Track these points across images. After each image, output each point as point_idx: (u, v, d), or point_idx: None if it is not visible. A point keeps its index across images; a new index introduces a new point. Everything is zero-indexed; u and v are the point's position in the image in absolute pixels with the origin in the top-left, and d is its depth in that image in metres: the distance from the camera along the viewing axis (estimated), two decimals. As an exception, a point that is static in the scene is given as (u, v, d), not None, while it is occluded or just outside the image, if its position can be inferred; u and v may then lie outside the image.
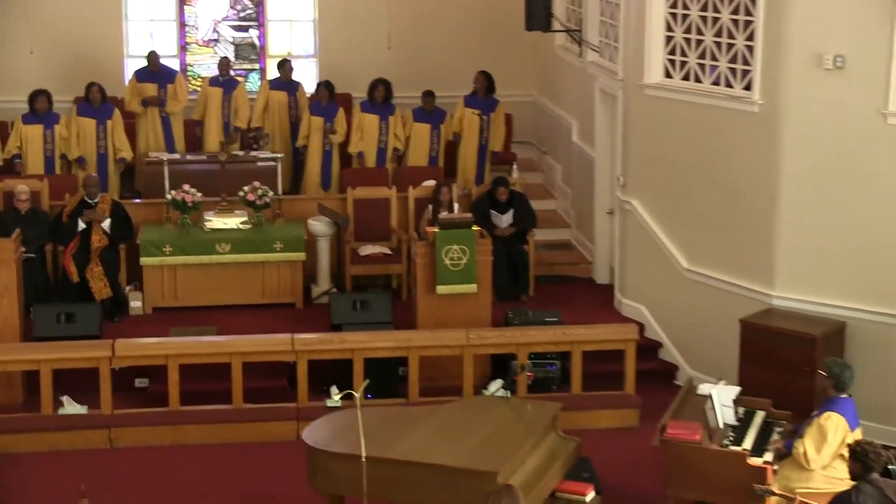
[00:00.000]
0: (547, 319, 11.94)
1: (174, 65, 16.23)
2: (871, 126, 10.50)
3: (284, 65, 15.32)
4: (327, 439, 8.92)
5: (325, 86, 14.78)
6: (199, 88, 15.82)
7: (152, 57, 15.15)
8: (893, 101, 10.40)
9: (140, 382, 11.64)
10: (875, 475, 7.82)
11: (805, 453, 8.66)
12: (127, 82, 15.44)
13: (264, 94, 15.16)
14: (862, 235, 10.70)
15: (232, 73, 15.58)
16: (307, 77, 16.33)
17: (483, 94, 14.75)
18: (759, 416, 9.52)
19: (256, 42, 16.97)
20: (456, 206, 12.82)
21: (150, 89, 15.00)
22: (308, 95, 15.23)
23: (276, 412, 11.10)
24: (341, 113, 14.64)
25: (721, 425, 9.10)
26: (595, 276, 14.04)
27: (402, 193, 13.65)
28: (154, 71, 15.11)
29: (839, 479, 8.54)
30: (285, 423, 10.97)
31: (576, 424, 10.66)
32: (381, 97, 14.54)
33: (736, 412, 9.42)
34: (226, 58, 15.69)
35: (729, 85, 11.45)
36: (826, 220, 10.83)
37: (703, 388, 9.63)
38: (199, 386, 11.27)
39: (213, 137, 14.95)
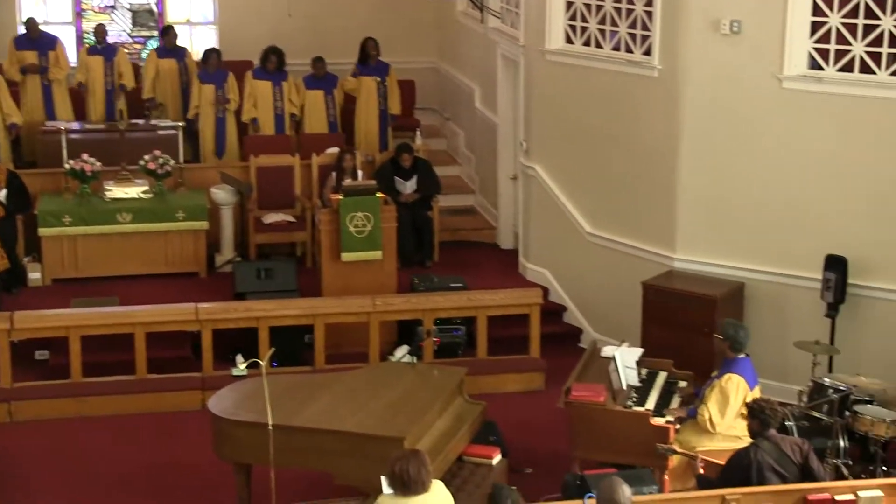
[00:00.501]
0: (452, 285, 11.96)
1: (70, 32, 15.85)
2: (767, 90, 10.65)
3: (168, 31, 15.02)
4: (233, 408, 8.85)
5: (212, 52, 14.55)
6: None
7: (31, 24, 14.68)
8: (788, 65, 10.55)
9: (40, 355, 11.42)
10: (772, 431, 7.96)
11: (710, 419, 8.79)
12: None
13: (153, 63, 14.81)
14: (759, 197, 10.86)
15: (110, 40, 15.21)
16: (207, 45, 16.06)
17: (374, 60, 14.63)
18: (662, 377, 9.65)
19: (154, 9, 16.66)
20: (360, 172, 12.77)
21: (30, 56, 14.55)
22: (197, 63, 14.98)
23: (181, 382, 10.99)
24: (231, 79, 14.42)
25: (624, 386, 9.20)
26: (499, 241, 14.09)
27: (306, 161, 13.54)
28: (34, 38, 14.65)
29: (738, 436, 8.69)
30: (190, 392, 10.87)
31: (482, 388, 10.73)
32: (273, 67, 14.37)
33: (639, 373, 9.54)
34: (101, 24, 15.26)
35: (629, 50, 11.53)
36: (724, 184, 10.98)
37: (607, 351, 9.73)
38: (102, 357, 11.09)
39: (98, 107, 14.61)
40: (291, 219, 13.31)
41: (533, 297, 11.58)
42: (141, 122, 14.18)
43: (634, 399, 9.19)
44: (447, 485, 7.73)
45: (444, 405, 9.12)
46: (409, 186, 13.21)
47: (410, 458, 7.23)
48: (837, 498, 7.66)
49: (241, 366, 9.11)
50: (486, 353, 11.44)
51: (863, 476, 8.89)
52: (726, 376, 8.83)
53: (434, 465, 7.80)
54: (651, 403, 9.16)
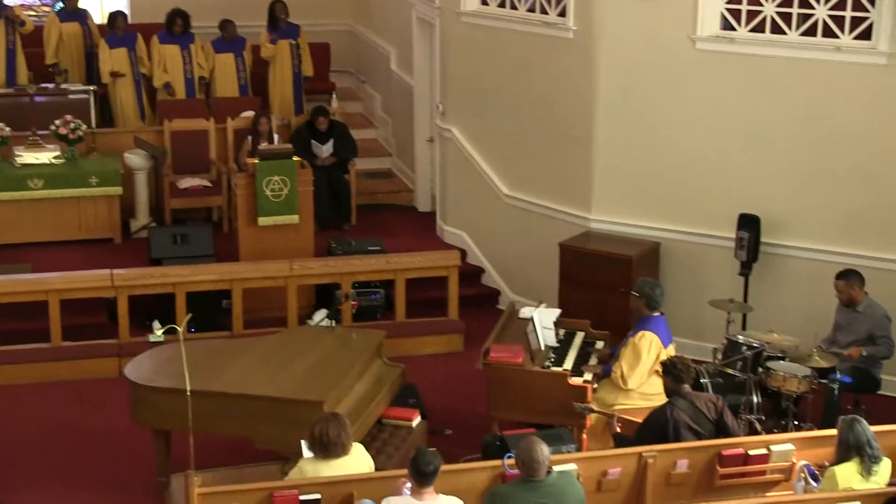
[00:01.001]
0: (370, 248, 11.93)
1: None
2: (681, 51, 10.72)
3: None
4: (150, 374, 8.77)
5: (118, 15, 14.24)
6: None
7: None
8: (701, 26, 10.62)
9: (-48, 324, 11.20)
10: (687, 388, 8.06)
11: (622, 375, 8.88)
12: None
13: (55, 28, 14.34)
14: (673, 158, 10.95)
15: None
16: (115, 7, 15.72)
17: (284, 22, 14.45)
18: (579, 337, 9.72)
19: (57, -30, 16.27)
20: (275, 136, 12.63)
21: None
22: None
23: (97, 349, 10.84)
24: (142, 42, 14.16)
25: (542, 347, 9.25)
26: (417, 203, 14.07)
27: (220, 125, 13.38)
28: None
29: (654, 394, 8.79)
30: (106, 359, 10.73)
31: (401, 351, 10.74)
32: (179, 30, 14.14)
33: (556, 334, 9.60)
34: None
35: (544, 11, 11.53)
36: (640, 144, 11.05)
37: (525, 312, 9.77)
38: (16, 325, 10.90)
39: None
40: (207, 183, 13.16)
41: (451, 259, 11.59)
42: (50, 86, 13.88)
43: (552, 359, 9.25)
44: (367, 447, 7.75)
45: (363, 368, 9.11)
46: (325, 150, 13.12)
47: (330, 422, 7.23)
48: (751, 453, 7.79)
49: (158, 332, 9.06)
50: (405, 316, 11.43)
51: (775, 431, 9.04)
52: (640, 333, 8.92)
53: (354, 428, 7.81)
54: (569, 363, 9.23)
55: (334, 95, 14.71)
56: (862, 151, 10.24)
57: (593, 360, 9.42)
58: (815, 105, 10.34)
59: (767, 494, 7.84)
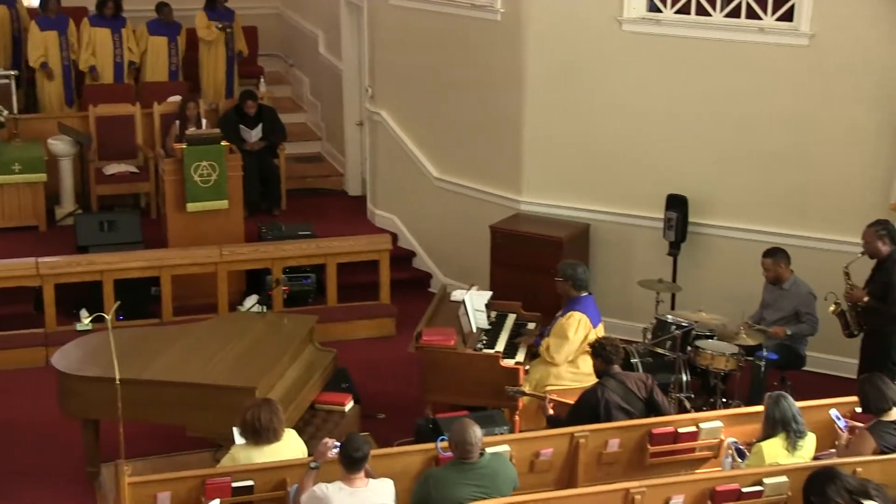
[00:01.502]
0: (300, 233, 11.88)
1: None
2: (608, 32, 10.78)
3: None
4: (78, 363, 8.67)
5: None
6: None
7: None
8: (628, 7, 10.69)
9: None
10: (617, 368, 8.13)
11: (549, 350, 8.94)
12: None
13: None
14: (601, 140, 11.02)
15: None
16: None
17: (221, 5, 14.34)
18: (511, 319, 9.76)
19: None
20: (203, 121, 12.53)
21: None
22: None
23: (23, 339, 10.69)
24: (72, 26, 13.97)
25: (474, 329, 9.28)
26: (347, 187, 14.03)
27: (147, 109, 13.23)
28: None
29: (586, 374, 8.85)
30: (33, 349, 10.59)
31: (333, 336, 10.72)
32: (111, 13, 13.96)
33: (488, 316, 9.63)
34: None
35: (472, -6, 11.55)
36: (569, 127, 11.10)
37: (457, 295, 9.79)
38: (-61, 316, 10.75)
39: None
40: (134, 169, 13.03)
41: (382, 243, 11.58)
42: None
43: (484, 342, 9.28)
44: (300, 433, 7.74)
45: (294, 354, 9.08)
46: (254, 134, 13.04)
47: (262, 408, 7.21)
48: (680, 430, 7.88)
49: (86, 320, 8.95)
50: (337, 301, 11.41)
51: (704, 408, 9.15)
52: (568, 313, 8.97)
53: (286, 414, 7.80)
54: (501, 345, 9.26)
55: (262, 79, 14.63)
56: (787, 131, 10.38)
57: (522, 352, 9.45)
58: (740, 86, 10.46)
59: (697, 471, 7.94)
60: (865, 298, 9.16)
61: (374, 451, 7.14)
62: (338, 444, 6.95)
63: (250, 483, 7.09)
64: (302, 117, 15.55)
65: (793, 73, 10.28)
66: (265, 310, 9.98)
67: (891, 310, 9.00)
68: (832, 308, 9.33)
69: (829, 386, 9.72)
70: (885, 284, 9.06)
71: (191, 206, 11.41)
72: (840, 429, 7.65)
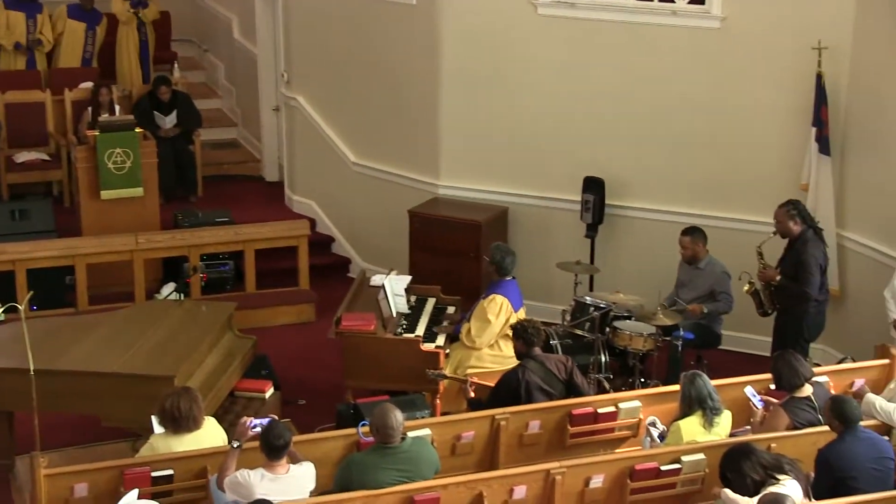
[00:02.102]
0: (217, 220, 11.79)
1: None
2: (523, 16, 10.83)
3: None
4: (-9, 355, 8.55)
5: None
6: None
7: None
8: (544, -8, 10.77)
9: None
10: (537, 350, 8.20)
11: (469, 333, 8.98)
12: None
13: None
14: (518, 124, 11.07)
15: None
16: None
17: None
18: (430, 303, 9.79)
19: None
20: (117, 107, 12.37)
21: None
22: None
23: (-66, 332, 10.51)
24: None
25: (394, 314, 9.30)
26: (264, 173, 13.95)
27: (58, 96, 13.03)
28: None
29: (506, 357, 8.91)
30: (-56, 342, 10.41)
31: (252, 323, 10.66)
32: None
33: (408, 300, 9.65)
34: None
35: (388, -22, 11.53)
36: (485, 110, 11.13)
37: (376, 279, 9.80)
38: None
39: None
40: (45, 157, 12.83)
41: (300, 228, 11.54)
42: None
43: (404, 326, 9.30)
44: (220, 420, 7.71)
45: (213, 341, 9.03)
46: (168, 121, 12.91)
47: (181, 396, 7.16)
48: (600, 411, 7.97)
49: (-1, 311, 8.78)
50: (255, 287, 11.36)
51: (623, 389, 9.25)
52: (490, 296, 9.03)
53: (206, 402, 7.76)
54: (421, 329, 9.29)
55: (176, 65, 14.46)
56: (700, 114, 10.52)
57: (445, 324, 9.50)
58: (654, 69, 10.57)
59: (616, 451, 8.03)
60: (778, 278, 9.33)
61: (295, 438, 7.13)
62: (256, 421, 6.94)
63: (170, 472, 7.05)
64: (217, 103, 15.42)
65: (705, 55, 10.42)
66: (183, 298, 9.91)
67: (802, 288, 9.18)
68: (746, 287, 9.49)
69: (743, 364, 9.88)
70: (797, 263, 9.23)
71: (105, 194, 11.27)
72: (755, 406, 7.78)
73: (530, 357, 8.15)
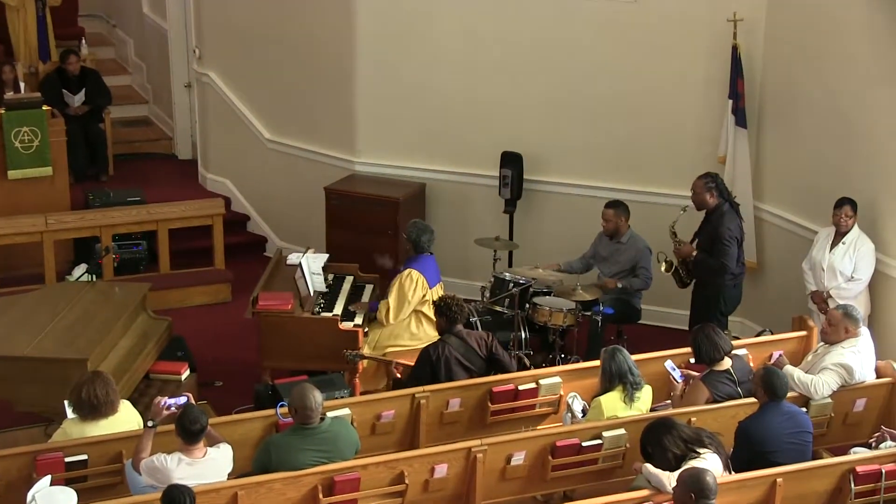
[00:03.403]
0: (129, 199, 11.64)
1: None
2: (439, -11, 10.81)
3: None
4: None
5: None
6: None
7: None
8: (459, -35, 10.74)
9: None
10: (459, 327, 8.21)
11: (387, 312, 8.96)
12: None
13: None
14: (434, 98, 11.04)
15: None
16: None
17: None
18: (348, 282, 9.75)
19: None
20: (22, 84, 12.11)
21: None
22: None
23: None
24: None
25: (311, 293, 9.25)
26: (177, 151, 13.80)
27: (-41, 75, 12.76)
28: None
29: (424, 335, 8.92)
30: None
31: (167, 304, 10.59)
32: None
33: (325, 279, 9.60)
34: None
35: (300, -49, 11.42)
36: (402, 85, 11.08)
37: (293, 258, 9.74)
38: None
39: None
40: (-51, 137, 12.56)
41: (215, 207, 11.44)
42: None
43: (322, 305, 9.26)
44: (134, 404, 7.63)
45: (127, 323, 8.95)
46: (77, 99, 12.70)
47: (95, 380, 7.08)
48: (521, 388, 8.01)
49: None
50: (170, 268, 11.25)
51: (544, 365, 9.30)
52: (406, 271, 9.01)
53: (120, 385, 7.69)
54: (338, 308, 9.25)
55: (84, 41, 14.21)
56: (617, 86, 10.56)
57: (363, 300, 9.47)
58: (570, 40, 10.58)
59: (538, 428, 8.08)
60: (694, 253, 9.42)
61: (212, 420, 7.10)
62: (170, 401, 6.89)
63: (84, 457, 6.97)
64: (127, 80, 15.21)
65: (621, 27, 10.44)
66: (95, 279, 9.79)
67: (720, 261, 9.28)
68: (664, 267, 9.56)
69: (663, 338, 10.00)
70: (713, 237, 9.32)
71: (12, 174, 11.08)
72: (675, 380, 7.86)
73: (452, 333, 8.16)
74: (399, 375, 8.41)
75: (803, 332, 8.74)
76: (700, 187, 9.42)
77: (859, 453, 7.46)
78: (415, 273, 8.98)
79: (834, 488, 7.20)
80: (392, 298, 8.97)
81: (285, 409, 7.12)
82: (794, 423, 7.25)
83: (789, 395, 7.54)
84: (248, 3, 11.84)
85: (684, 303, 9.84)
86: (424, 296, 8.94)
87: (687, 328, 9.39)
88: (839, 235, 9.10)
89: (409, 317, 9.00)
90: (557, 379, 8.11)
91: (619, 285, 9.78)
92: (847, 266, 9.01)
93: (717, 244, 9.28)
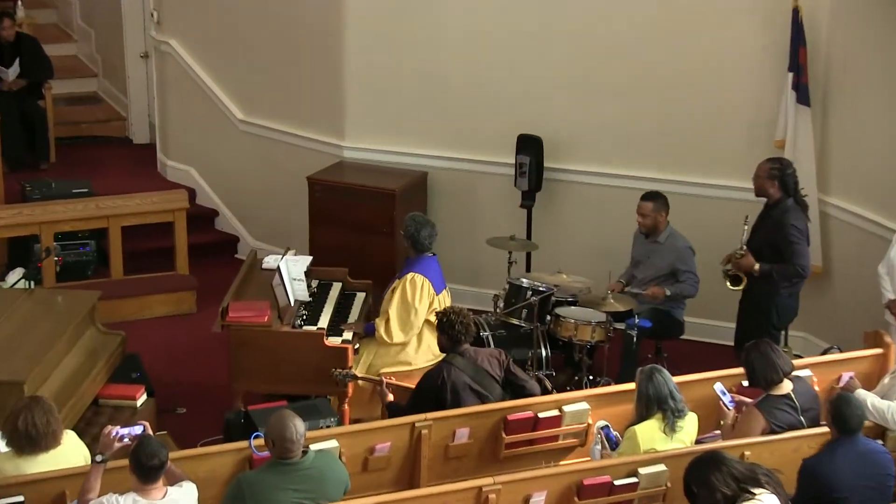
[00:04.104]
0: (75, 191, 11.70)
1: None
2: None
3: None
4: None
5: None
6: None
7: None
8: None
9: None
10: (466, 346, 8.19)
11: (388, 330, 8.92)
12: None
13: None
14: (437, 72, 11.05)
15: None
16: None
17: None
18: (336, 289, 9.76)
19: None
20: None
21: None
22: None
23: None
24: None
25: (292, 302, 9.25)
26: (132, 134, 13.87)
27: None
28: None
29: (428, 351, 8.91)
30: None
31: (120, 315, 10.64)
32: None
33: (309, 286, 9.60)
34: None
35: None
36: (398, 59, 11.11)
37: (270, 261, 9.75)
38: None
39: None
40: None
41: (176, 200, 11.48)
42: None
43: (304, 317, 9.26)
44: (82, 435, 7.65)
45: (72, 338, 8.98)
46: (11, 72, 12.79)
47: (34, 410, 7.07)
48: (541, 415, 7.99)
49: None
50: (123, 273, 11.28)
51: (568, 388, 9.30)
52: (409, 276, 8.99)
53: (64, 413, 7.70)
54: (325, 321, 9.26)
55: (20, 3, 14.26)
56: (656, 58, 10.54)
57: (354, 317, 9.47)
58: (601, 3, 10.57)
59: (562, 463, 8.06)
60: (756, 266, 9.37)
61: (173, 454, 7.08)
62: (123, 431, 6.89)
63: (20, 499, 6.95)
64: (72, 48, 15.27)
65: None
66: (33, 286, 9.80)
67: (794, 262, 9.19)
68: (729, 283, 9.43)
69: (710, 356, 10.00)
70: (773, 235, 9.24)
71: (-64, 161, 11.14)
72: (725, 406, 7.84)
73: (457, 352, 8.15)
74: (391, 398, 8.39)
75: (878, 350, 8.71)
76: (763, 171, 9.36)
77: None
78: (418, 277, 8.96)
79: (918, 540, 7.19)
80: (394, 310, 8.94)
81: (261, 441, 7.12)
82: (872, 463, 7.19)
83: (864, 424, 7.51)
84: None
85: (730, 314, 9.80)
86: (431, 304, 8.93)
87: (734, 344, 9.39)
88: (922, 234, 9.09)
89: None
90: (585, 405, 8.10)
91: (668, 293, 9.73)
92: (933, 270, 9.01)
93: (785, 246, 9.22)
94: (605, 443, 7.71)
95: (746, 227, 9.40)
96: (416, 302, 8.94)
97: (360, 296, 9.78)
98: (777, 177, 9.33)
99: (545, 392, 8.90)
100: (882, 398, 7.95)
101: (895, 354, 8.64)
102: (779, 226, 9.29)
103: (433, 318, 8.79)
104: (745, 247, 9.39)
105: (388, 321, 8.95)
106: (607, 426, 7.78)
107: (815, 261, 10.00)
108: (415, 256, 9.12)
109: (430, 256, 9.14)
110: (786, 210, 9.31)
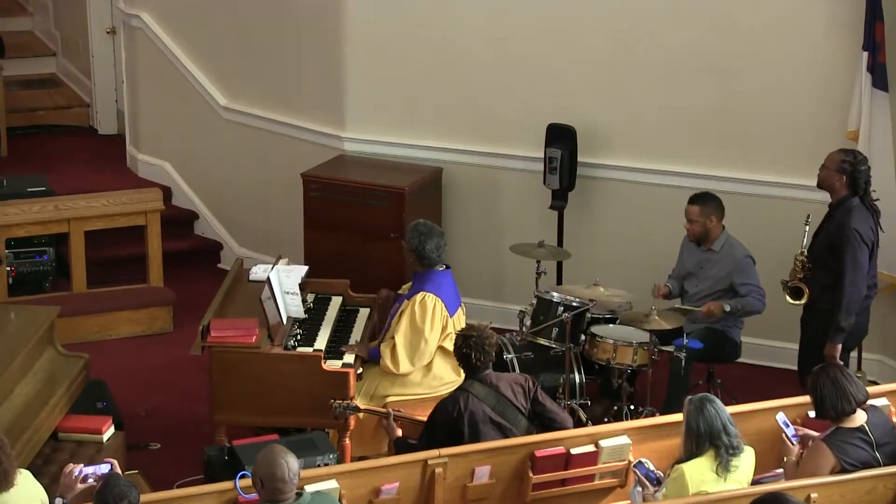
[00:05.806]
0: (30, 190, 11.72)
1: None
2: None
3: None
4: None
5: None
6: None
7: None
8: None
9: None
10: (487, 371, 8.21)
11: (395, 358, 8.94)
12: None
13: None
14: (453, 53, 11.08)
15: None
16: None
17: None
18: (336, 304, 9.78)
19: None
20: None
21: None
22: None
23: None
24: None
25: (284, 320, 9.29)
26: (97, 123, 13.91)
27: None
28: None
29: (439, 378, 8.96)
30: None
31: (83, 335, 10.72)
32: None
33: (304, 300, 9.64)
34: None
35: None
36: (407, 34, 11.12)
37: (258, 272, 9.78)
38: None
39: None
40: None
41: (149, 201, 11.51)
42: None
43: (299, 336, 9.29)
44: (38, 474, 7.64)
45: (27, 362, 9.01)
46: (-42, 50, 12.84)
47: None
48: (574, 451, 8.01)
49: None
50: (87, 285, 11.32)
51: (606, 420, 9.32)
52: (420, 296, 9.00)
53: (17, 448, 7.73)
54: (322, 341, 9.28)
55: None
56: (705, 34, 10.56)
57: (356, 337, 9.50)
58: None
59: (597, 506, 8.12)
60: (727, 307, 9.46)
61: (146, 496, 7.12)
62: (88, 469, 6.94)
63: (-32, 550, 7.03)
64: (26, 23, 15.34)
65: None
66: (-17, 301, 9.88)
67: (841, 293, 9.08)
68: (789, 296, 9.40)
69: (771, 382, 10.02)
70: (833, 237, 9.16)
71: None
72: (789, 440, 7.87)
73: (476, 379, 8.17)
74: (400, 432, 8.41)
75: (967, 376, 8.76)
76: (832, 162, 9.17)
77: None
78: (429, 297, 8.96)
79: None
80: (401, 336, 8.96)
81: (248, 482, 7.15)
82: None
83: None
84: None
85: (793, 334, 9.76)
86: (445, 328, 8.95)
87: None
88: None
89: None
90: (625, 439, 8.13)
91: (728, 308, 9.70)
92: None
93: (838, 260, 9.09)
94: (645, 482, 7.74)
95: (808, 230, 9.35)
96: (427, 327, 8.95)
97: (364, 312, 9.81)
98: (847, 171, 9.23)
99: (579, 424, 8.95)
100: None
101: None
102: (839, 227, 9.20)
103: (446, 343, 8.82)
104: (804, 252, 9.35)
105: (394, 348, 8.98)
106: (641, 462, 7.80)
107: (889, 270, 9.96)
108: (423, 271, 9.13)
109: (441, 270, 9.13)
110: (849, 210, 9.15)
